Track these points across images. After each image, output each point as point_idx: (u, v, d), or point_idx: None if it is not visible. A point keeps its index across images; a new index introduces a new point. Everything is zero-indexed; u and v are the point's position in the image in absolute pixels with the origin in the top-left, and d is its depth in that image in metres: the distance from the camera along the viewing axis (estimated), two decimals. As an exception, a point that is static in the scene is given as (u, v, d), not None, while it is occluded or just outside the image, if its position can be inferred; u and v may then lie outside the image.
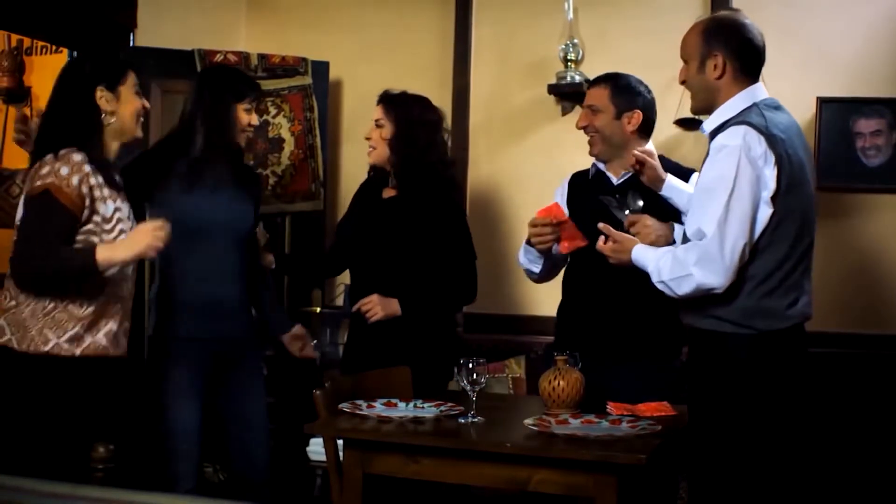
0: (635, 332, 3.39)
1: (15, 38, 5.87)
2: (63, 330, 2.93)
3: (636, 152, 3.27)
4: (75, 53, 4.51)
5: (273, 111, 4.69)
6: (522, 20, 4.80)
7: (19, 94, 5.89)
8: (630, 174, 3.44)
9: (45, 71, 5.85)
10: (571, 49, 4.58)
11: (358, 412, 3.00)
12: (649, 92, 3.52)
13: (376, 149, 3.70)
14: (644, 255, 2.89)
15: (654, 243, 2.98)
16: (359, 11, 5.07)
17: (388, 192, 3.76)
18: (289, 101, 4.73)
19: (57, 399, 2.92)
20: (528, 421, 2.86)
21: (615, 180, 3.49)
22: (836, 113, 4.30)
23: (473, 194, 4.84)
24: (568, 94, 4.60)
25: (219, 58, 4.63)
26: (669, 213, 3.22)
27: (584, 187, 3.57)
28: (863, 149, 4.28)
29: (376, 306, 3.60)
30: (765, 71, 4.38)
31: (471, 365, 2.92)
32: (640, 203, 3.17)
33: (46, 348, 2.91)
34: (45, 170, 2.93)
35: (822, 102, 4.30)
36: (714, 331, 2.78)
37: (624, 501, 2.65)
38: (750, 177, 2.68)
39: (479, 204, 4.83)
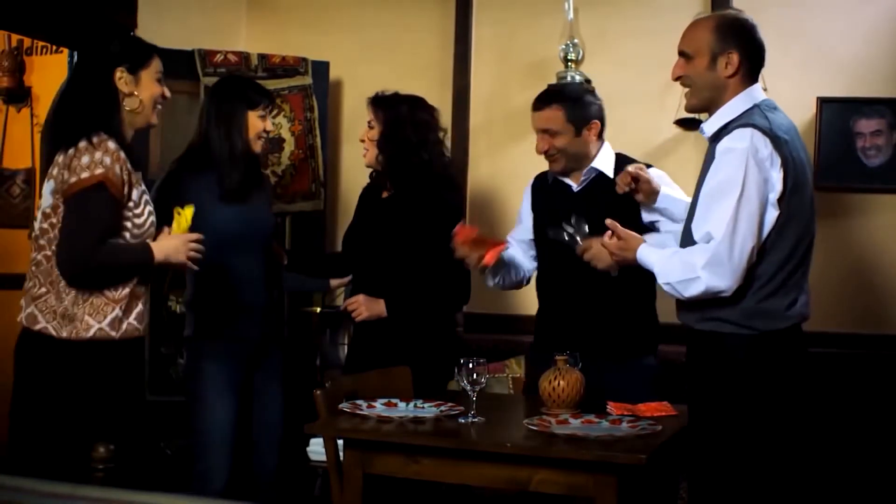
0: (608, 331, 3.39)
1: (15, 38, 5.86)
2: (103, 315, 2.94)
3: (630, 169, 3.25)
4: (75, 54, 4.51)
5: (273, 111, 4.69)
6: (523, 20, 4.81)
7: (19, 94, 5.88)
8: (589, 180, 3.44)
9: (46, 71, 5.85)
10: (572, 49, 4.58)
11: (358, 412, 3.00)
12: (595, 94, 3.51)
13: (368, 150, 3.72)
14: (649, 256, 2.88)
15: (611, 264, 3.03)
16: (359, 11, 5.07)
17: (386, 193, 3.77)
18: (289, 101, 4.74)
19: (94, 382, 2.93)
20: (528, 421, 2.86)
21: (575, 187, 3.49)
22: (837, 113, 4.30)
23: (474, 194, 4.84)
24: (568, 94, 4.60)
25: (219, 58, 4.64)
26: (631, 224, 3.21)
27: (545, 193, 3.58)
28: (863, 149, 4.29)
29: (361, 306, 3.64)
30: (765, 71, 4.39)
31: (471, 365, 2.92)
32: (586, 228, 3.15)
33: (89, 334, 2.92)
34: (85, 159, 2.90)
35: (823, 102, 4.30)
36: (713, 331, 2.78)
37: (624, 501, 2.66)
38: (757, 179, 2.68)
39: (480, 204, 4.83)
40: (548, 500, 3.00)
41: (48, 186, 2.99)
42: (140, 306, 3.03)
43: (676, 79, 2.93)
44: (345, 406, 3.05)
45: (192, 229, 3.17)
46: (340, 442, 2.99)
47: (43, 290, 2.95)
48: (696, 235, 2.77)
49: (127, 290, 2.98)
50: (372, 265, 3.71)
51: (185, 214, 3.12)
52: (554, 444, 2.71)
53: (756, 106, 2.80)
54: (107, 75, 3.04)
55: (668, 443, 2.80)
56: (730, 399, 2.75)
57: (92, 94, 3.03)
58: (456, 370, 2.95)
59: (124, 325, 2.97)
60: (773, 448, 2.74)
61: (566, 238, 3.17)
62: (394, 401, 3.15)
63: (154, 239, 3.07)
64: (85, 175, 2.88)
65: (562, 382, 3.04)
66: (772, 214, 2.71)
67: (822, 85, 4.33)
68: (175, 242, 3.07)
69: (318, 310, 4.80)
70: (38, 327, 2.94)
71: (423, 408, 3.09)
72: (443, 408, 3.06)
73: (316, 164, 4.77)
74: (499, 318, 4.69)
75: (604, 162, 3.46)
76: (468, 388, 2.94)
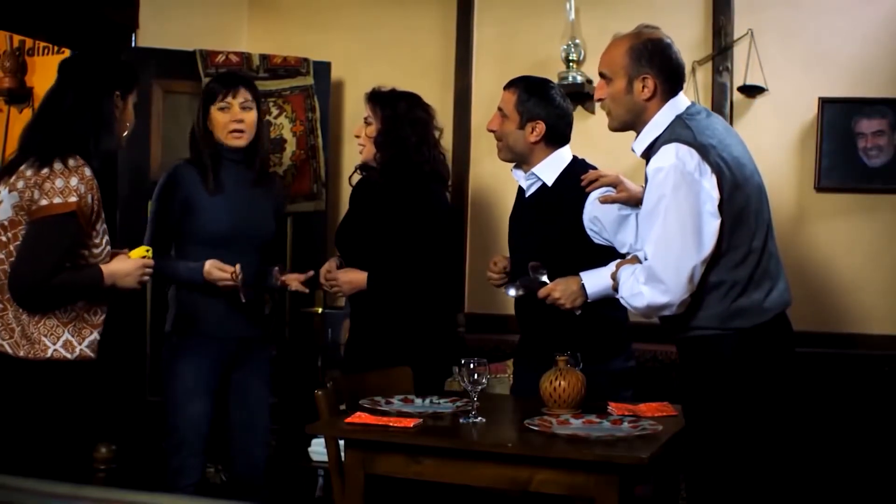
0: (574, 334, 3.30)
1: (17, 38, 5.88)
2: (56, 336, 2.89)
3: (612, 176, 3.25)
4: (79, 53, 4.51)
5: (275, 112, 4.70)
6: (524, 20, 4.80)
7: (21, 94, 5.90)
8: (535, 188, 3.41)
9: (47, 71, 5.85)
10: (573, 49, 4.58)
11: (378, 408, 3.02)
12: (565, 102, 3.44)
13: (365, 146, 3.71)
14: (600, 280, 2.95)
15: (574, 303, 3.13)
16: (361, 12, 5.07)
17: (377, 186, 3.76)
18: (290, 101, 4.74)
19: (55, 401, 2.91)
20: (529, 421, 2.86)
21: (526, 193, 3.46)
22: (838, 113, 4.29)
23: (475, 194, 4.84)
24: (570, 95, 4.57)
25: (220, 58, 4.64)
26: (575, 236, 3.27)
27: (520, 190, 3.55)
28: (865, 149, 4.28)
29: (340, 283, 3.63)
30: (766, 71, 4.41)
31: (472, 365, 2.92)
32: (545, 278, 3.18)
33: (47, 355, 2.88)
34: (59, 183, 2.83)
35: (824, 103, 4.29)
36: (699, 336, 2.79)
37: (625, 502, 2.65)
38: (686, 193, 2.69)
39: (481, 203, 4.83)
40: (549, 500, 3.00)
41: (9, 198, 2.89)
42: (94, 335, 2.97)
43: (598, 100, 2.96)
44: (365, 402, 3.06)
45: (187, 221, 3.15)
46: (342, 442, 2.99)
47: (0, 306, 2.90)
48: (642, 256, 2.81)
49: (73, 312, 2.93)
50: (362, 256, 3.68)
51: (137, 251, 3.11)
52: (555, 444, 2.71)
53: (678, 117, 2.82)
54: (108, 96, 3.01)
55: (668, 443, 2.80)
56: (722, 398, 2.76)
57: (88, 113, 2.97)
58: (457, 370, 2.95)
59: (77, 350, 2.93)
60: (768, 443, 2.76)
61: (523, 292, 3.24)
62: (410, 397, 3.18)
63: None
64: (57, 200, 2.82)
65: (563, 383, 3.03)
66: (713, 224, 2.71)
67: (824, 85, 4.32)
68: (127, 266, 3.02)
69: (320, 310, 4.80)
70: None
71: (439, 403, 3.12)
72: (458, 403, 3.09)
73: (317, 164, 4.77)
74: (500, 318, 4.68)
75: (546, 170, 3.38)
76: (469, 388, 2.94)
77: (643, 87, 2.84)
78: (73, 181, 2.84)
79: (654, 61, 2.84)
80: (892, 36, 4.27)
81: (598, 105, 4.54)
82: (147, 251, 3.11)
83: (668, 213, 2.70)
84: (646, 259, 2.77)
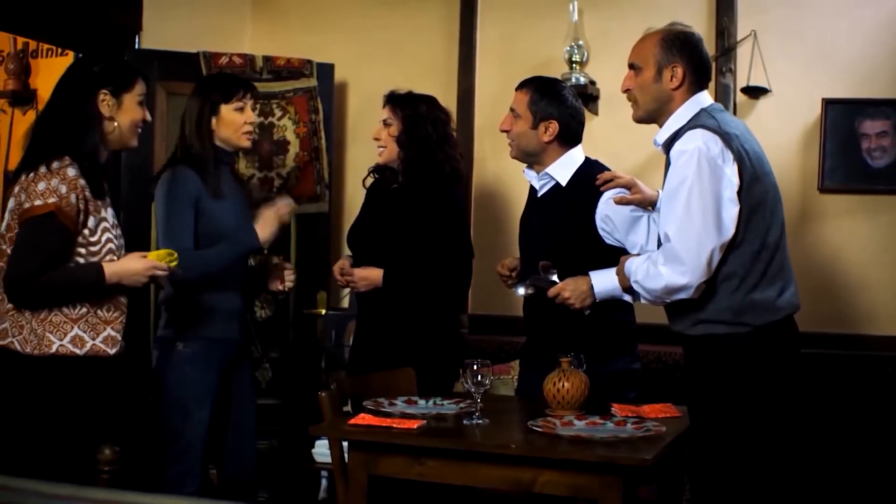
0: (578, 334, 3.30)
1: (21, 40, 5.88)
2: (63, 332, 2.92)
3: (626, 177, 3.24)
4: (81, 56, 4.52)
5: (278, 113, 4.70)
6: (527, 22, 4.81)
7: (25, 96, 5.90)
8: (548, 188, 3.43)
9: (51, 73, 5.85)
10: (576, 50, 4.59)
11: (382, 409, 3.02)
12: (576, 101, 3.45)
13: (386, 147, 3.71)
14: (628, 264, 2.91)
15: (584, 303, 3.11)
16: (364, 13, 5.07)
17: (395, 185, 3.76)
18: (294, 103, 4.74)
19: (62, 399, 2.92)
20: (532, 422, 2.86)
21: (538, 192, 3.48)
22: (842, 114, 4.29)
23: (478, 194, 4.84)
24: (573, 96, 4.60)
25: (224, 60, 4.64)
26: (586, 235, 3.28)
27: (531, 190, 3.56)
28: (868, 150, 4.28)
29: (357, 279, 3.63)
30: (770, 72, 4.40)
31: (475, 366, 2.92)
32: (555, 277, 3.19)
33: (52, 350, 2.91)
34: (41, 186, 2.89)
35: (828, 104, 4.29)
36: (708, 335, 2.79)
37: (629, 502, 2.65)
38: (709, 177, 2.72)
39: (484, 204, 4.83)
40: (553, 501, 3.00)
41: (9, 204, 2.98)
42: (109, 331, 2.99)
43: (625, 91, 3.00)
44: (368, 404, 3.06)
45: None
46: (345, 444, 2.99)
47: (10, 304, 2.95)
48: (662, 238, 2.83)
49: (84, 308, 2.96)
50: (377, 256, 3.67)
51: (158, 253, 3.08)
52: (558, 445, 2.71)
53: (703, 110, 2.87)
54: (89, 96, 3.03)
55: (672, 444, 2.80)
56: (733, 400, 2.75)
57: (69, 115, 3.01)
58: (461, 371, 2.95)
59: (89, 345, 2.95)
60: (777, 444, 2.76)
61: (533, 291, 3.24)
62: (413, 398, 3.18)
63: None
64: (38, 202, 2.88)
65: (566, 384, 3.03)
66: (732, 210, 2.74)
67: (827, 86, 4.32)
68: (135, 266, 3.00)
69: (323, 312, 4.81)
70: (5, 342, 2.93)
71: (442, 405, 3.11)
72: (462, 405, 3.08)
73: (321, 166, 4.77)
74: (504, 319, 4.68)
75: (560, 170, 3.40)
76: (473, 389, 2.94)
77: (672, 77, 2.89)
78: (54, 182, 2.90)
79: (685, 52, 2.90)
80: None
81: (601, 106, 4.62)
82: (170, 255, 3.07)
83: (692, 195, 2.72)
84: (667, 240, 2.78)
